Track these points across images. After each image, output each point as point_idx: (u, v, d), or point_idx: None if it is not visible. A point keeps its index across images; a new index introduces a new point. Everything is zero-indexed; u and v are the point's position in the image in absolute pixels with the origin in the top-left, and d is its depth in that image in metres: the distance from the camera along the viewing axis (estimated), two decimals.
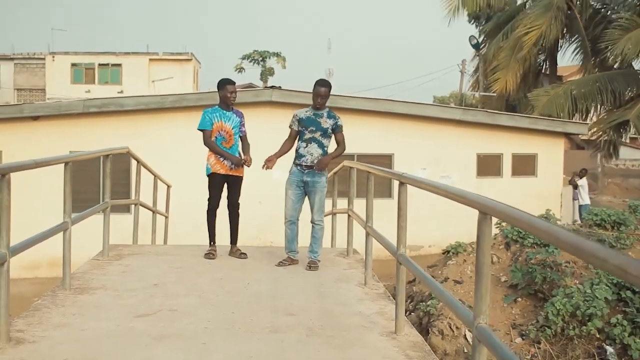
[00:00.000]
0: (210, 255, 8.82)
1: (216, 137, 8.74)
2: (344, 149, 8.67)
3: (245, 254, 8.99)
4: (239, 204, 8.99)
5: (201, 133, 8.81)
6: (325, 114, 8.52)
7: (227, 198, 8.93)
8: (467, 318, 3.77)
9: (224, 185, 8.89)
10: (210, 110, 8.86)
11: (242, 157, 8.83)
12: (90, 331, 5.56)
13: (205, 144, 8.79)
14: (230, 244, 9.12)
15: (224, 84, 8.84)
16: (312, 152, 8.43)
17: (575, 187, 23.76)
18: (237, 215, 9.02)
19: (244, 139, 8.99)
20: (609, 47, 26.69)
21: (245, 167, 8.87)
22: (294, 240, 8.58)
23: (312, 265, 8.35)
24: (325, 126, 8.47)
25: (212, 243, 9.00)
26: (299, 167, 8.49)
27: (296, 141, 8.62)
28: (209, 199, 8.87)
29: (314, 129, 8.43)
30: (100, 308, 6.28)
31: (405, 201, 5.71)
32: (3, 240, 4.97)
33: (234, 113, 8.89)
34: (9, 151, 17.50)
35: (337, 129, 8.54)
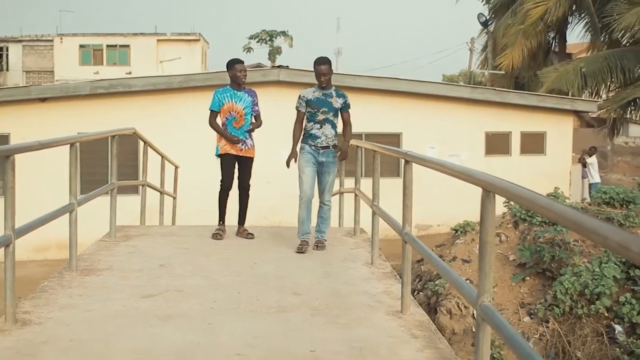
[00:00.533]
0: (218, 235, 8.74)
1: (227, 118, 8.62)
2: (352, 128, 8.54)
3: (252, 234, 8.92)
4: (249, 185, 8.90)
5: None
6: (334, 93, 8.31)
7: (238, 179, 8.83)
8: (471, 296, 3.75)
9: (235, 166, 8.78)
10: (221, 90, 8.72)
11: (245, 137, 8.72)
12: (96, 312, 5.58)
13: (209, 123, 8.72)
14: (238, 224, 9.02)
15: (233, 63, 8.67)
16: (327, 133, 8.27)
17: (585, 165, 23.60)
18: (247, 196, 8.92)
19: (257, 117, 8.86)
20: (615, 22, 26.45)
21: (254, 149, 8.83)
22: (307, 221, 8.30)
23: (320, 245, 8.30)
24: (337, 106, 8.27)
25: (221, 222, 8.89)
26: (313, 147, 8.28)
27: (305, 121, 8.37)
28: (221, 180, 8.73)
29: (326, 109, 8.23)
30: (106, 289, 6.30)
31: (411, 180, 5.69)
32: (8, 222, 4.99)
33: (246, 92, 8.74)
34: (17, 133, 17.54)
35: (345, 108, 8.35)
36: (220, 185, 8.75)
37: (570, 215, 2.52)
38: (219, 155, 8.72)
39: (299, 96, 8.37)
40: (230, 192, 8.82)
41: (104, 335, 4.99)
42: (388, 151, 7.10)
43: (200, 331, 5.15)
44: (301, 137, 8.40)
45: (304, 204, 8.27)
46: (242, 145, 8.67)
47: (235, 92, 8.66)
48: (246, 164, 8.81)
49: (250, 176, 8.89)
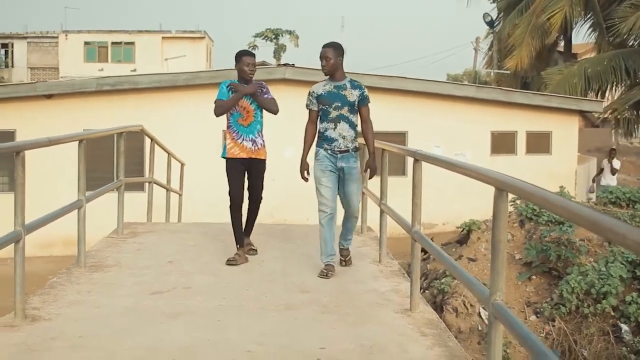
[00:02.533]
0: (232, 261, 7.35)
1: (231, 114, 7.51)
2: (373, 127, 7.30)
3: (255, 249, 7.79)
4: (261, 197, 7.76)
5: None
6: (348, 84, 7.04)
7: (248, 190, 7.66)
8: (482, 295, 3.75)
9: (245, 173, 7.63)
10: (228, 81, 7.65)
11: (254, 137, 7.59)
12: (104, 308, 5.59)
13: (215, 113, 7.54)
14: (243, 233, 7.73)
15: (241, 55, 7.58)
16: (344, 134, 6.99)
17: (602, 170, 22.24)
18: (258, 209, 7.83)
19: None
20: (619, 24, 26.43)
21: (265, 149, 7.70)
22: (331, 241, 7.03)
23: (347, 259, 7.30)
24: (352, 99, 6.99)
25: (239, 246, 7.55)
26: (329, 152, 7.01)
27: (318, 122, 7.13)
28: (229, 192, 7.51)
29: (340, 104, 6.95)
30: (114, 285, 6.31)
31: (420, 178, 5.70)
32: (18, 218, 5.01)
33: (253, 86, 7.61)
34: (22, 129, 17.56)
35: (363, 101, 7.07)
36: (230, 199, 7.51)
37: (587, 214, 2.52)
38: (225, 158, 7.61)
39: (309, 92, 7.18)
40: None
41: (112, 332, 5.00)
42: (397, 150, 7.10)
43: (209, 328, 5.15)
44: (315, 140, 7.22)
45: (326, 221, 7.00)
46: (252, 145, 7.54)
47: (242, 85, 7.56)
48: (257, 169, 7.63)
49: (262, 186, 7.73)
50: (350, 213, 7.21)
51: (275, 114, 7.70)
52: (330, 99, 6.98)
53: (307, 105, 7.16)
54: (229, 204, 7.47)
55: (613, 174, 21.40)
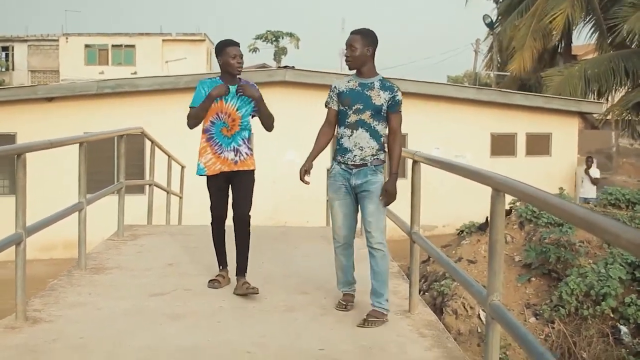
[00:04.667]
0: (215, 282, 6.44)
1: (213, 122, 6.23)
2: (402, 142, 5.81)
3: (255, 288, 6.11)
4: (249, 216, 6.31)
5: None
6: (377, 84, 5.57)
7: (233, 207, 6.29)
8: (480, 295, 3.78)
9: (229, 187, 6.41)
10: (208, 81, 6.32)
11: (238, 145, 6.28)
12: (105, 310, 5.61)
13: (187, 124, 6.31)
14: (236, 275, 6.33)
15: (224, 46, 6.24)
16: (362, 144, 5.54)
17: (594, 182, 21.00)
18: (248, 232, 6.31)
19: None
20: (620, 25, 26.48)
21: (253, 159, 6.39)
22: (350, 268, 5.88)
23: (373, 318, 5.45)
24: (379, 102, 5.52)
25: (221, 267, 6.61)
26: (343, 166, 5.63)
27: (337, 126, 5.76)
28: (211, 208, 6.45)
29: (361, 107, 5.51)
30: (115, 287, 6.33)
31: (419, 180, 5.73)
32: (20, 221, 5.03)
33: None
34: (23, 132, 17.59)
35: (394, 107, 5.57)
36: (211, 214, 6.47)
37: (582, 214, 2.55)
38: (203, 175, 6.37)
39: (331, 87, 5.81)
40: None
41: (113, 333, 5.02)
42: None
43: (209, 329, 5.18)
44: (326, 146, 5.95)
45: (340, 250, 5.83)
46: (236, 154, 6.25)
47: (227, 85, 6.21)
48: (244, 181, 6.29)
49: (250, 202, 6.32)
50: (372, 243, 5.58)
51: (270, 131, 6.49)
52: (352, 99, 5.56)
53: (327, 103, 5.74)
54: (210, 220, 6.53)
55: (594, 184, 19.48)
